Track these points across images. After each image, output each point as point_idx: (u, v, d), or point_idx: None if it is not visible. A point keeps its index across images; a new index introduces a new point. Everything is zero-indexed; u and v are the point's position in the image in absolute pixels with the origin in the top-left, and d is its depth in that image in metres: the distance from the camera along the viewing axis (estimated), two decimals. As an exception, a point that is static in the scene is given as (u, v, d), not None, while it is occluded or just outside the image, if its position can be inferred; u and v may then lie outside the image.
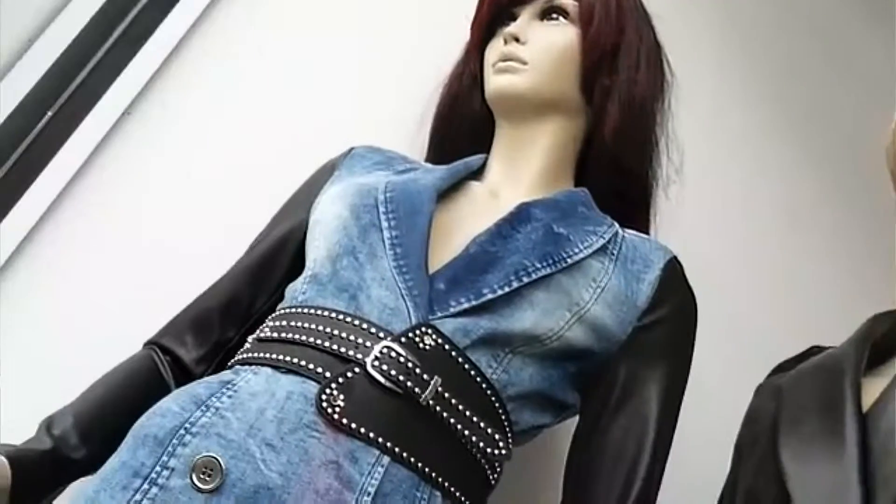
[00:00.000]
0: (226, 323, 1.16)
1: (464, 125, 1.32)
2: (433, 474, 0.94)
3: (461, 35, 1.34)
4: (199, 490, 0.86)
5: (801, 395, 0.95)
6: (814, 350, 1.11)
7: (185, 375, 1.12)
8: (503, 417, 1.01)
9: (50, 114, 1.34)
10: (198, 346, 1.15)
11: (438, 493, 0.94)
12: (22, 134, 1.32)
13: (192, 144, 1.45)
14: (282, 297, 1.11)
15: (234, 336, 1.16)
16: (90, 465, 1.00)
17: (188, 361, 1.14)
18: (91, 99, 1.36)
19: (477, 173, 1.23)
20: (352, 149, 1.27)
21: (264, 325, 1.05)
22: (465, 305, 1.00)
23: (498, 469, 1.03)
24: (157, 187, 1.41)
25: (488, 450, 0.99)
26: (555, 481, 1.13)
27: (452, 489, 0.95)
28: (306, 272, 1.08)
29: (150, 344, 1.16)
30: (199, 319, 1.16)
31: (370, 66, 1.59)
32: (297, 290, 1.06)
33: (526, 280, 1.02)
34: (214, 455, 0.88)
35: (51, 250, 1.32)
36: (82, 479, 1.03)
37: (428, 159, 1.35)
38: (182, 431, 0.90)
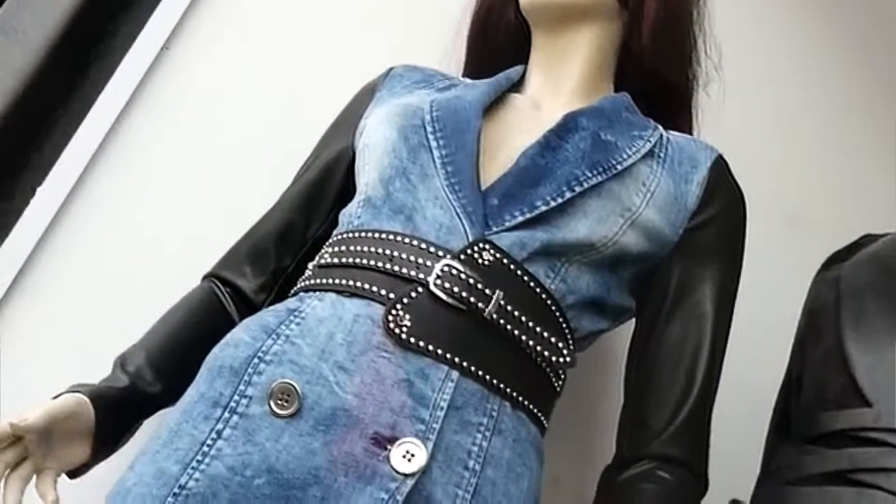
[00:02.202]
0: (281, 251, 1.18)
1: (500, 37, 1.30)
2: (501, 385, 0.96)
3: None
4: (278, 416, 0.89)
5: (860, 285, 0.95)
6: (867, 238, 1.11)
7: (246, 305, 1.15)
8: (564, 326, 1.03)
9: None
10: (256, 276, 1.17)
11: (508, 404, 0.96)
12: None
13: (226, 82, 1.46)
14: (334, 223, 1.13)
15: (291, 263, 1.18)
16: (167, 398, 1.04)
17: (248, 291, 1.16)
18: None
19: (517, 85, 1.22)
20: (391, 69, 1.26)
21: (323, 251, 1.07)
22: (520, 219, 1.01)
23: (563, 376, 1.05)
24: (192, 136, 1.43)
25: (552, 358, 1.00)
26: (613, 385, 1.15)
27: (521, 399, 0.98)
28: (359, 196, 1.09)
29: (209, 277, 1.19)
30: (255, 249, 1.18)
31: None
32: (352, 215, 1.07)
33: (578, 190, 1.03)
34: (290, 381, 0.90)
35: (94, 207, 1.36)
36: (161, 412, 1.07)
37: (465, 74, 1.34)
38: (256, 360, 0.93)
